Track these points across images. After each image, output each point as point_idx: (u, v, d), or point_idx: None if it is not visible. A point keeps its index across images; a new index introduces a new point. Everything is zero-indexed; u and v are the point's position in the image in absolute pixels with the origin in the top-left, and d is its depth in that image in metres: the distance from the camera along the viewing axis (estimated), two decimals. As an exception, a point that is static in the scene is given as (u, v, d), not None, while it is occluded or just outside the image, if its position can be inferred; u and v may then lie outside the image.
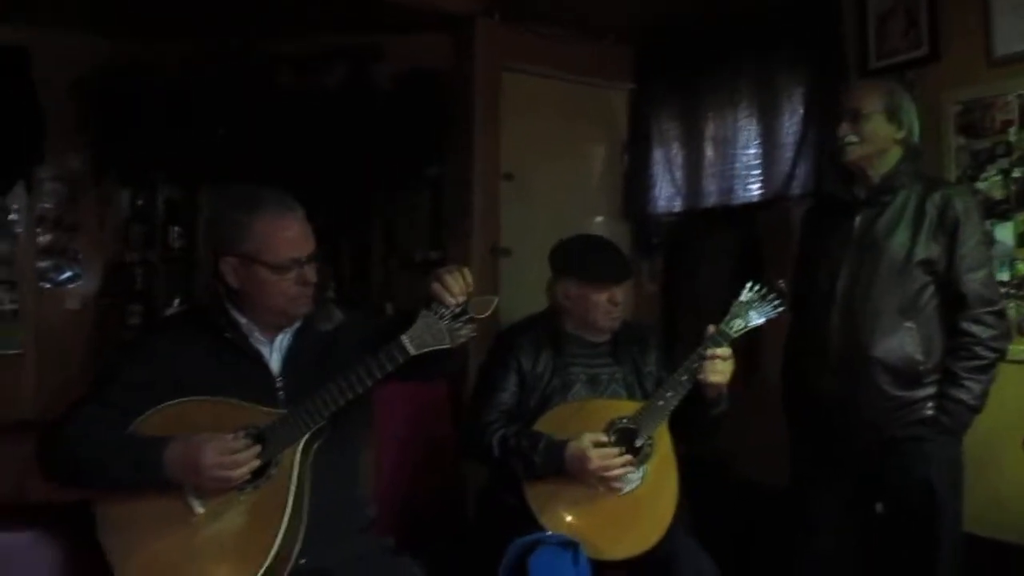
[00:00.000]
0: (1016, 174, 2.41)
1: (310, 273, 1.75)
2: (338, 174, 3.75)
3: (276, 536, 1.60)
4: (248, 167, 3.21)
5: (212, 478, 1.59)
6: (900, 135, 2.20)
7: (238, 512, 1.64)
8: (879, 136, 2.19)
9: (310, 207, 1.80)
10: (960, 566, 2.16)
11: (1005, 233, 2.42)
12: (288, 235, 1.72)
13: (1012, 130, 2.42)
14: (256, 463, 1.62)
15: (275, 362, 1.78)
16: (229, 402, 1.68)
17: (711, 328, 2.10)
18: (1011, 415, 2.14)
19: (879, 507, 2.32)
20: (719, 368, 2.07)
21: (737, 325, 2.10)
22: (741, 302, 2.12)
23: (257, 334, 1.78)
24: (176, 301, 3.61)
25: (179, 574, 1.60)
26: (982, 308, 2.10)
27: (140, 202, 3.81)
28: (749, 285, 2.13)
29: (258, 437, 1.64)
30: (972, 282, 2.11)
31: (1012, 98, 2.42)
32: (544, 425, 2.18)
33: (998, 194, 2.44)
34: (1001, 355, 2.13)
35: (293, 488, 1.63)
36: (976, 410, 2.12)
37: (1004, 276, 2.37)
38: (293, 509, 1.63)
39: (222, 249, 1.73)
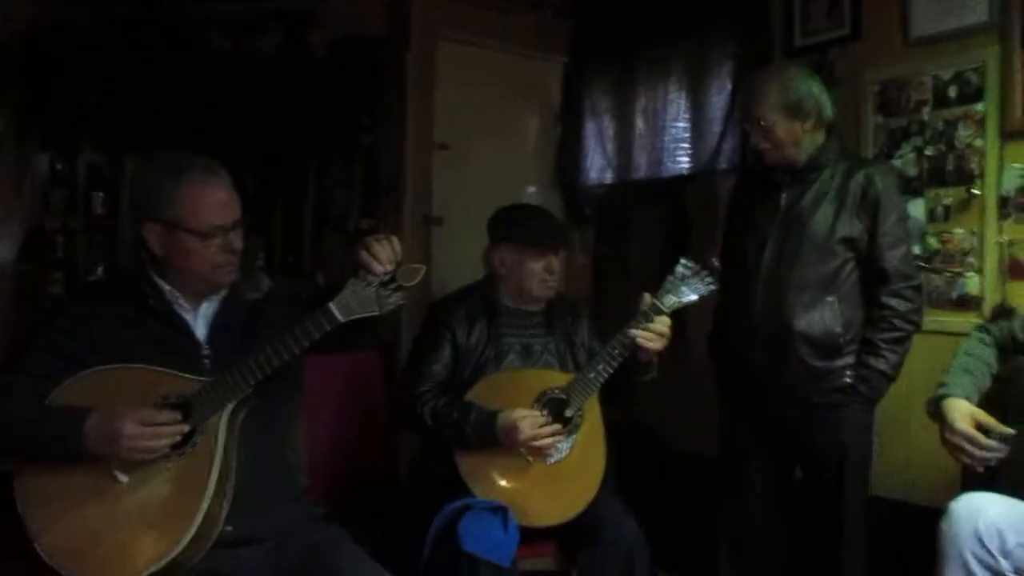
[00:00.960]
0: (928, 152, 2.50)
1: (236, 240, 1.73)
2: (270, 141, 3.69)
3: (201, 504, 1.59)
4: (177, 133, 3.14)
5: (132, 449, 1.57)
6: (809, 124, 2.23)
7: (163, 480, 1.62)
8: (789, 136, 2.22)
9: (242, 175, 1.78)
10: (866, 527, 2.26)
11: (917, 209, 2.51)
12: (213, 201, 1.70)
13: (926, 109, 2.51)
14: (179, 434, 1.61)
15: (201, 330, 1.76)
16: (153, 370, 1.67)
17: (645, 302, 2.14)
18: (919, 382, 2.24)
19: (798, 472, 2.41)
20: (658, 338, 2.12)
21: (670, 301, 2.14)
22: (675, 278, 2.15)
23: (182, 302, 1.75)
24: (100, 269, 3.52)
25: (101, 543, 1.58)
26: (902, 283, 2.18)
27: (60, 166, 3.69)
28: (683, 261, 2.17)
29: (182, 405, 1.63)
30: (893, 259, 2.18)
31: (927, 78, 2.50)
32: (476, 395, 2.21)
33: (911, 171, 2.53)
34: (917, 327, 2.22)
35: (219, 456, 1.63)
36: (892, 379, 2.21)
37: (916, 250, 2.47)
38: (219, 477, 1.62)
39: (145, 215, 1.70)
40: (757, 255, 2.29)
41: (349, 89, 3.53)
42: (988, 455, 1.82)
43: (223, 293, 1.80)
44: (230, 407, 1.65)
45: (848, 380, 2.21)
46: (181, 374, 1.67)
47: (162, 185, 1.69)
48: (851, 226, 2.20)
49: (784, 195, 2.28)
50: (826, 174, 2.25)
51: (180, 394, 1.64)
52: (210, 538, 1.62)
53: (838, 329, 2.20)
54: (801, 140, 2.23)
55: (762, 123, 2.22)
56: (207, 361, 1.74)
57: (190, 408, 1.64)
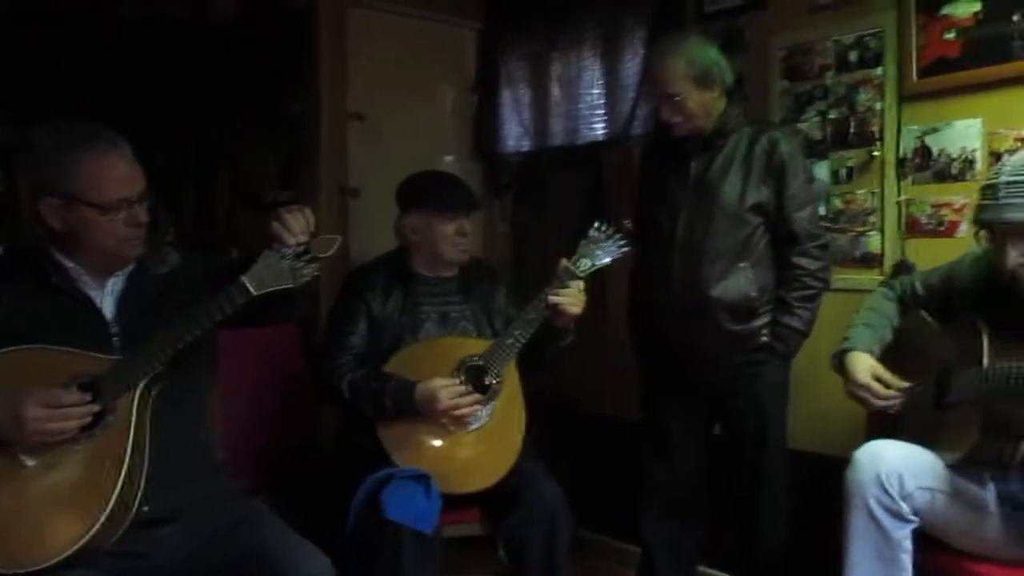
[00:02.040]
0: (832, 115, 2.56)
1: (141, 213, 1.68)
2: (180, 110, 3.57)
3: (115, 485, 1.56)
4: (80, 103, 3.00)
5: (38, 432, 1.53)
6: (717, 91, 2.26)
7: (74, 463, 1.58)
8: (700, 107, 2.25)
9: (150, 144, 1.73)
10: (786, 479, 2.35)
11: (822, 171, 2.58)
12: (115, 173, 1.65)
13: (829, 74, 2.56)
14: (89, 415, 1.57)
15: (108, 307, 1.72)
16: (59, 350, 1.62)
17: (560, 266, 2.16)
18: (826, 338, 2.31)
19: (716, 429, 2.48)
20: (573, 302, 2.15)
21: (584, 264, 2.18)
22: (588, 242, 2.19)
23: (86, 278, 1.70)
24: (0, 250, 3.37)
25: (14, 529, 1.54)
26: (810, 243, 2.25)
27: (-48, 143, 3.50)
28: (596, 225, 2.21)
29: (91, 385, 1.59)
30: (801, 220, 2.25)
31: (829, 44, 2.56)
32: (395, 365, 2.21)
33: (816, 135, 2.59)
34: (827, 285, 2.30)
35: (131, 435, 1.59)
36: (806, 335, 2.29)
37: (821, 211, 2.54)
38: (132, 457, 1.59)
39: (42, 189, 1.63)
40: (671, 226, 2.32)
41: (261, 56, 3.43)
42: (887, 403, 1.93)
43: (129, 268, 1.75)
44: (142, 385, 1.62)
45: (764, 339, 2.28)
46: (89, 353, 1.63)
47: (59, 157, 1.63)
48: (759, 192, 2.25)
49: (693, 164, 2.31)
50: (732, 140, 2.28)
51: (89, 373, 1.60)
52: (126, 519, 1.59)
53: (753, 293, 2.26)
54: (712, 109, 2.27)
55: (675, 98, 2.23)
56: (116, 338, 1.69)
57: (99, 388, 1.60)
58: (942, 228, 2.36)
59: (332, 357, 2.23)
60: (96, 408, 1.58)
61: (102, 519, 1.55)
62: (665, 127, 2.32)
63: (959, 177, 2.33)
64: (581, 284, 2.16)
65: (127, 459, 1.58)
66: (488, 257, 3.34)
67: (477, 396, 2.15)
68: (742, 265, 2.26)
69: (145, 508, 1.62)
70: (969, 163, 2.31)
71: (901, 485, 1.78)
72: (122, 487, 1.57)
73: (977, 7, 2.26)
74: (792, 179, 2.24)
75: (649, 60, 2.31)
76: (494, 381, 2.19)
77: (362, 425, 2.19)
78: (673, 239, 2.31)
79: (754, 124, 2.33)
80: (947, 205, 2.35)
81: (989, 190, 1.75)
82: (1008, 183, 1.71)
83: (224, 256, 3.39)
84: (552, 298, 2.14)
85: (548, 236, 3.41)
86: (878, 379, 1.94)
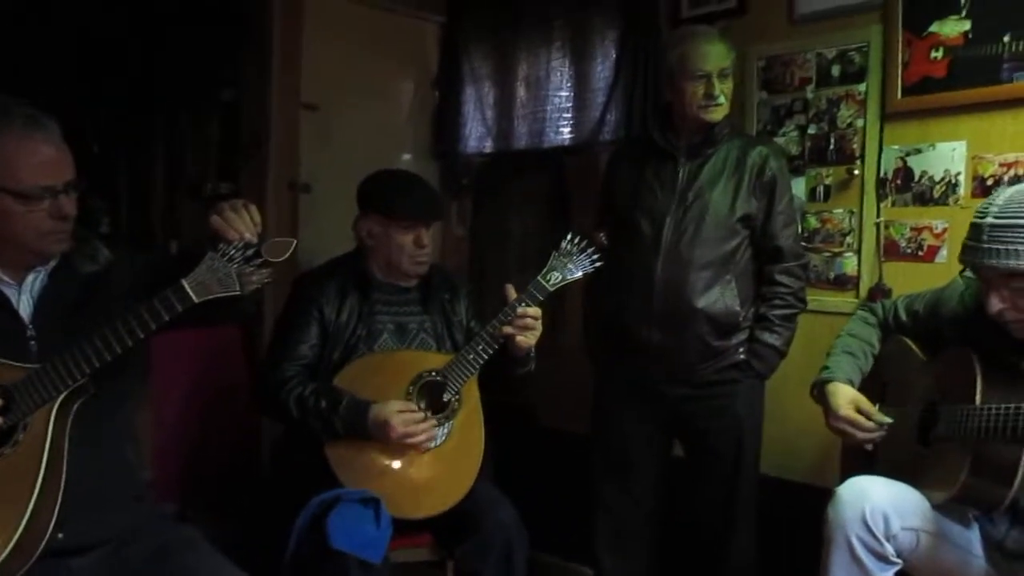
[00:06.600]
0: (811, 131, 2.48)
1: (67, 205, 1.49)
2: (113, 90, 3.35)
3: (24, 511, 1.38)
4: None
5: None
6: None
7: (-23, 485, 1.39)
8: (731, 92, 2.22)
9: (79, 128, 1.54)
10: (755, 505, 2.27)
11: (799, 187, 2.49)
12: (38, 159, 1.45)
13: (809, 88, 2.48)
14: None
15: (25, 307, 1.52)
16: (-37, 355, 1.42)
17: (511, 296, 2.04)
18: (796, 360, 2.27)
19: (678, 449, 2.39)
20: (529, 329, 2.04)
21: (554, 278, 2.06)
22: (559, 255, 2.07)
23: (0, 274, 1.50)
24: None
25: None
26: (794, 262, 2.22)
27: None
28: (568, 237, 2.09)
29: (1, 396, 1.40)
30: (787, 237, 2.21)
31: (811, 56, 2.48)
32: (348, 378, 2.06)
33: (794, 149, 2.50)
34: (805, 305, 2.26)
35: (46, 456, 1.41)
36: (784, 355, 2.24)
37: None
38: (46, 479, 1.40)
39: None
40: (655, 231, 2.23)
41: (205, 37, 3.23)
42: (869, 437, 1.85)
43: (52, 264, 1.56)
44: (60, 399, 1.43)
45: (742, 356, 2.21)
46: (2, 360, 1.44)
47: None
48: (748, 204, 2.20)
49: (682, 170, 2.24)
50: (722, 150, 2.23)
51: (-2, 384, 1.41)
52: (36, 549, 1.41)
53: (737, 307, 2.19)
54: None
55: (725, 72, 2.19)
56: (33, 343, 1.51)
57: (10, 400, 1.41)
58: (921, 252, 2.29)
59: (279, 369, 2.06)
60: (6, 421, 1.39)
61: (8, 548, 1.38)
62: (662, 124, 2.28)
63: (940, 201, 2.26)
64: (538, 311, 2.04)
65: (39, 482, 1.40)
66: (444, 263, 3.19)
67: (432, 422, 2.01)
68: (727, 277, 2.20)
69: (59, 536, 1.44)
70: (952, 187, 2.24)
71: (887, 525, 1.68)
72: (32, 513, 1.39)
73: (966, 26, 2.19)
74: (781, 195, 2.21)
75: (678, 46, 2.24)
76: (453, 399, 2.04)
77: (307, 439, 2.03)
78: (658, 245, 2.22)
79: (743, 136, 2.29)
80: (927, 229, 2.28)
81: (974, 230, 1.66)
82: (992, 226, 1.61)
83: (162, 250, 3.19)
84: (507, 329, 2.02)
85: (508, 242, 3.28)
86: (860, 411, 1.86)
